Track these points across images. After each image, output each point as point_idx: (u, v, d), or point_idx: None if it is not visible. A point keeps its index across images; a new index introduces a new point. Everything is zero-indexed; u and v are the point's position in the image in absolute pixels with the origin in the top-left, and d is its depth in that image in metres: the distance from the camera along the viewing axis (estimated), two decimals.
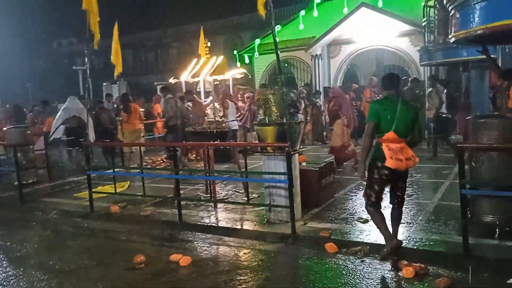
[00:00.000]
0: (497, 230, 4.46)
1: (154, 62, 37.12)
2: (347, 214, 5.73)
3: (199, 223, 5.87)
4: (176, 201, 6.17)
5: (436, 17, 11.06)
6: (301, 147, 6.47)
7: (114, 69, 9.64)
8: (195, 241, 5.39)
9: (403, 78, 13.70)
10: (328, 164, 6.68)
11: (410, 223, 5.21)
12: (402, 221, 4.80)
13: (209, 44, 12.65)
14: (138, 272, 4.51)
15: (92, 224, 6.36)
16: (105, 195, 7.40)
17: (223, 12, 31.04)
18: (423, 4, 11.43)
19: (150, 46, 37.09)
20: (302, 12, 17.36)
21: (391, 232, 4.30)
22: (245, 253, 4.89)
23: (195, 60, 12.63)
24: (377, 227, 4.35)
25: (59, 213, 6.99)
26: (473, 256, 4.14)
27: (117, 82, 21.18)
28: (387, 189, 4.36)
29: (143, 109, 13.83)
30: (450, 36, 5.61)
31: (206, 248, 5.14)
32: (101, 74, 29.25)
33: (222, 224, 5.76)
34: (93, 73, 10.31)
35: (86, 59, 8.19)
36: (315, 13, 16.90)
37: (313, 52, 16.10)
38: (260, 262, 4.62)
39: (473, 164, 4.40)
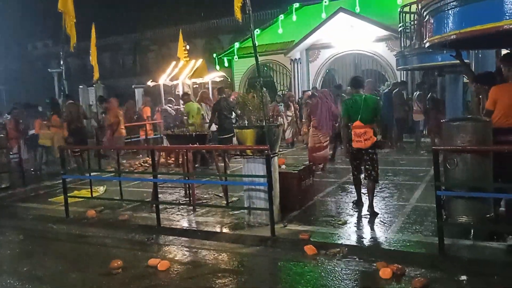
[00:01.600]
0: (472, 231, 4.57)
1: (132, 65, 36.71)
2: (326, 216, 5.77)
3: (177, 227, 5.82)
4: (154, 205, 6.10)
5: (412, 22, 11.29)
6: (281, 150, 6.50)
7: (92, 72, 9.51)
8: (174, 245, 5.33)
9: (387, 82, 13.96)
10: (307, 166, 6.72)
11: (387, 225, 5.28)
12: (380, 222, 5.29)
13: (188, 47, 12.64)
14: (115, 277, 4.42)
15: (68, 229, 6.22)
16: (81, 199, 7.26)
17: (202, 16, 30.99)
18: (399, 10, 11.64)
19: (127, 49, 36.68)
20: (281, 17, 17.51)
21: (368, 201, 5.83)
22: (224, 257, 4.86)
23: (173, 63, 12.60)
24: (355, 187, 6.20)
25: (33, 218, 6.81)
26: (448, 256, 4.22)
27: (94, 85, 20.86)
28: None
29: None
30: (425, 41, 5.72)
31: (185, 252, 5.09)
32: (77, 77, 28.78)
33: (201, 227, 5.72)
34: (68, 76, 10.14)
35: (61, 62, 8.02)
36: (294, 17, 17.09)
37: (292, 56, 16.24)
38: (239, 265, 4.60)
39: (447, 166, 4.49)
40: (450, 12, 4.52)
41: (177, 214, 6.35)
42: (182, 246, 5.28)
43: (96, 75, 9.46)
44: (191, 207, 6.53)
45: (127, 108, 14.37)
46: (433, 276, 3.94)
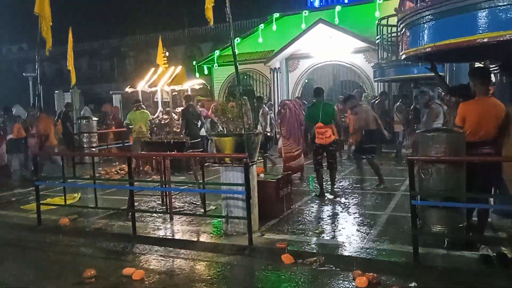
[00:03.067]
0: (446, 240, 4.65)
1: (109, 71, 36.25)
2: (304, 225, 5.78)
3: (154, 235, 5.72)
4: (130, 213, 5.99)
5: (389, 35, 11.54)
6: (259, 158, 6.52)
7: (68, 77, 9.33)
8: (149, 254, 5.24)
9: (364, 93, 14.13)
10: (285, 175, 6.73)
11: (364, 234, 5.33)
12: (356, 231, 5.41)
13: (167, 54, 12.55)
14: (88, 286, 4.32)
15: (40, 238, 6.04)
16: (54, 207, 7.07)
17: (182, 23, 30.94)
18: (376, 22, 11.89)
19: (105, 55, 36.22)
20: (261, 26, 17.64)
21: (330, 187, 7.38)
22: (201, 266, 4.81)
23: (152, 69, 12.49)
24: (317, 181, 7.43)
25: (4, 226, 6.59)
26: (423, 265, 4.28)
27: (70, 91, 20.51)
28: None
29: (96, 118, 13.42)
30: (401, 53, 5.84)
31: (161, 261, 5.01)
32: (53, 82, 28.21)
33: (178, 236, 5.65)
34: (44, 80, 9.94)
35: (37, 66, 7.85)
36: (274, 27, 17.23)
37: (272, 65, 16.36)
38: (216, 275, 4.55)
39: (422, 176, 4.58)
40: (425, 25, 4.63)
41: (153, 223, 6.26)
42: (158, 255, 5.19)
43: (73, 80, 9.28)
44: (168, 216, 6.44)
45: (113, 113, 14.20)
46: (408, 285, 3.99)
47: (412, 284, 3.99)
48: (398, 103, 11.99)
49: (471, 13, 4.05)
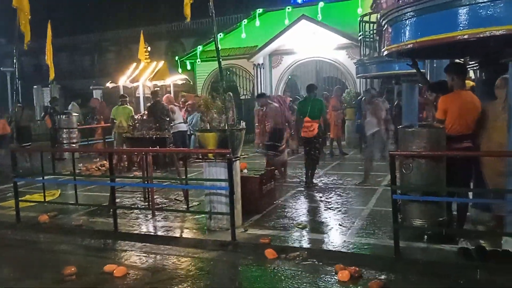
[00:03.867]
0: (426, 233, 4.72)
1: (90, 66, 35.61)
2: (287, 220, 5.80)
3: (136, 232, 5.66)
4: (111, 210, 5.92)
5: (371, 32, 11.64)
6: (243, 154, 6.50)
7: (47, 72, 9.15)
8: (131, 250, 5.19)
9: (347, 89, 14.25)
10: (268, 171, 6.75)
11: (346, 228, 5.38)
12: (339, 226, 5.51)
13: (149, 49, 12.41)
14: (69, 284, 4.25)
15: (19, 235, 5.92)
16: (34, 204, 6.93)
17: (164, 18, 30.57)
18: (359, 19, 11.96)
19: (86, 49, 35.56)
20: (244, 21, 17.57)
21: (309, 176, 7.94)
22: (184, 262, 4.78)
23: (134, 64, 12.34)
24: (306, 170, 7.95)
25: None
26: (403, 258, 4.34)
27: (49, 86, 20.16)
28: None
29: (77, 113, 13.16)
30: (383, 50, 5.89)
31: (143, 257, 4.96)
32: (32, 77, 27.63)
33: (160, 233, 5.60)
34: (22, 75, 9.72)
35: (15, 60, 7.65)
36: (257, 22, 17.18)
37: (255, 61, 16.31)
38: (199, 270, 4.53)
39: (403, 170, 4.63)
40: (407, 21, 4.67)
41: (135, 219, 6.19)
42: (140, 251, 5.14)
43: (52, 75, 9.09)
44: (150, 212, 6.38)
45: (100, 108, 13.92)
46: (389, 278, 4.04)
47: (393, 277, 4.05)
48: (381, 99, 12.12)
49: (452, 10, 4.09)
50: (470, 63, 6.41)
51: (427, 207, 4.59)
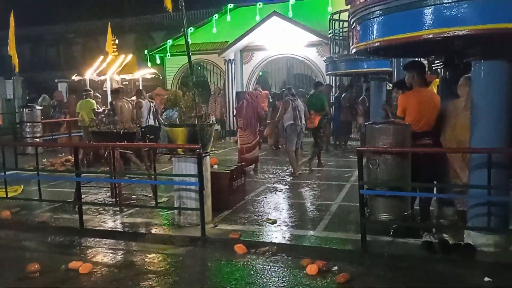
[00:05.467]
0: (392, 227, 4.85)
1: (55, 58, 34.44)
2: (257, 216, 5.82)
3: (102, 228, 5.55)
4: (76, 206, 5.77)
5: (341, 29, 11.80)
6: (213, 149, 6.48)
7: (9, 64, 8.81)
8: (98, 247, 5.08)
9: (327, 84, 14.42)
10: (239, 166, 6.74)
11: (315, 223, 5.45)
12: (308, 220, 5.58)
13: (117, 41, 12.14)
14: (32, 281, 4.12)
15: None
16: None
17: (134, 10, 29.94)
18: (329, 17, 12.10)
19: (50, 41, 34.37)
20: (215, 16, 17.44)
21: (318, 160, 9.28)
22: (152, 258, 4.72)
23: (101, 57, 12.04)
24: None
25: None
26: (370, 252, 4.44)
27: (12, 78, 19.40)
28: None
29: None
30: (352, 47, 5.99)
31: (110, 254, 4.87)
32: None
33: (128, 229, 5.50)
34: None
35: None
36: (228, 18, 17.10)
37: (226, 56, 16.22)
38: (168, 267, 4.49)
39: (370, 166, 4.74)
40: (374, 20, 4.75)
41: (102, 215, 6.06)
42: (107, 248, 5.04)
43: (16, 67, 8.76)
44: (118, 208, 6.26)
45: (69, 102, 13.50)
46: (356, 271, 4.13)
47: (360, 270, 4.14)
48: (362, 96, 12.39)
49: (417, 10, 4.19)
50: (436, 62, 6.61)
51: (393, 202, 4.72)
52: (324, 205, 6.28)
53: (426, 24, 4.13)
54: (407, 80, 5.20)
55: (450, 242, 4.43)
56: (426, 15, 4.13)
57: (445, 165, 5.07)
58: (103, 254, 4.86)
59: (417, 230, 4.84)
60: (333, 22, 12.08)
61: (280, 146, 11.89)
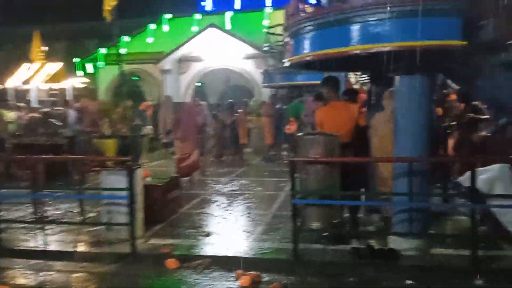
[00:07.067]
0: (323, 235, 4.96)
1: None
2: (190, 229, 5.70)
3: (22, 248, 5.14)
4: None
5: (276, 43, 12.09)
6: (145, 160, 6.29)
7: None
8: (17, 268, 4.70)
9: (253, 98, 14.54)
10: (173, 178, 6.59)
11: (248, 233, 5.44)
12: (242, 231, 5.56)
13: (45, 49, 11.52)
14: None
15: None
16: None
17: (65, 17, 28.59)
18: (265, 30, 12.37)
19: None
20: (152, 26, 17.17)
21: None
22: (78, 278, 4.45)
23: (27, 65, 11.35)
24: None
25: None
26: (302, 260, 4.50)
27: None
28: None
29: None
30: (285, 61, 6.14)
31: (30, 275, 4.52)
32: None
33: (52, 247, 5.15)
34: None
35: None
36: (165, 28, 16.90)
37: (162, 66, 15.99)
38: (95, 286, 4.25)
39: (302, 176, 4.84)
40: (306, 35, 4.93)
41: (23, 234, 5.62)
42: (28, 269, 4.68)
43: None
44: (41, 225, 5.85)
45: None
46: (289, 280, 4.17)
47: (292, 279, 4.19)
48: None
49: (345, 27, 4.40)
50: (363, 76, 6.95)
51: (324, 210, 4.83)
52: (259, 215, 6.30)
53: (353, 41, 4.35)
54: (324, 95, 5.45)
55: (376, 247, 4.61)
56: (353, 32, 4.35)
57: (372, 174, 5.31)
58: (23, 276, 4.51)
59: (346, 237, 5.00)
60: (269, 35, 12.36)
61: (223, 158, 11.81)
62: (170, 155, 11.26)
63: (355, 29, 4.35)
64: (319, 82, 9.66)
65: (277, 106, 12.34)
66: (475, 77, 6.24)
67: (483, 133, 5.63)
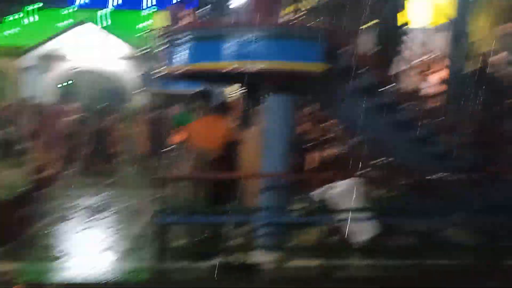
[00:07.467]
0: (189, 253, 4.85)
1: None
2: (43, 251, 5.07)
3: None
4: None
5: (154, 47, 11.73)
6: None
7: None
8: None
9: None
10: (24, 193, 5.85)
11: (107, 254, 5.05)
12: (101, 253, 5.14)
13: None
14: None
15: None
16: None
17: None
18: (143, 33, 11.96)
19: None
20: (13, 16, 15.38)
21: None
22: None
23: None
24: None
25: None
26: (167, 278, 4.39)
27: None
28: None
29: None
30: (157, 71, 5.96)
31: None
32: None
33: None
34: None
35: None
36: (30, 19, 15.30)
37: (22, 63, 14.37)
38: None
39: (168, 192, 4.71)
40: (179, 47, 4.86)
41: None
42: None
43: None
44: None
45: None
46: None
47: None
48: None
49: (216, 43, 4.49)
50: (239, 90, 7.06)
51: (190, 226, 4.76)
52: (122, 234, 5.88)
53: (222, 57, 4.41)
54: (195, 109, 5.46)
55: (238, 262, 4.66)
56: (223, 49, 4.45)
57: (239, 189, 5.38)
58: None
59: (212, 253, 4.95)
60: (147, 39, 11.96)
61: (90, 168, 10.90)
62: (25, 165, 10.07)
63: (225, 46, 4.46)
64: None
65: (157, 113, 11.92)
66: (335, 100, 6.78)
67: (336, 150, 6.20)
